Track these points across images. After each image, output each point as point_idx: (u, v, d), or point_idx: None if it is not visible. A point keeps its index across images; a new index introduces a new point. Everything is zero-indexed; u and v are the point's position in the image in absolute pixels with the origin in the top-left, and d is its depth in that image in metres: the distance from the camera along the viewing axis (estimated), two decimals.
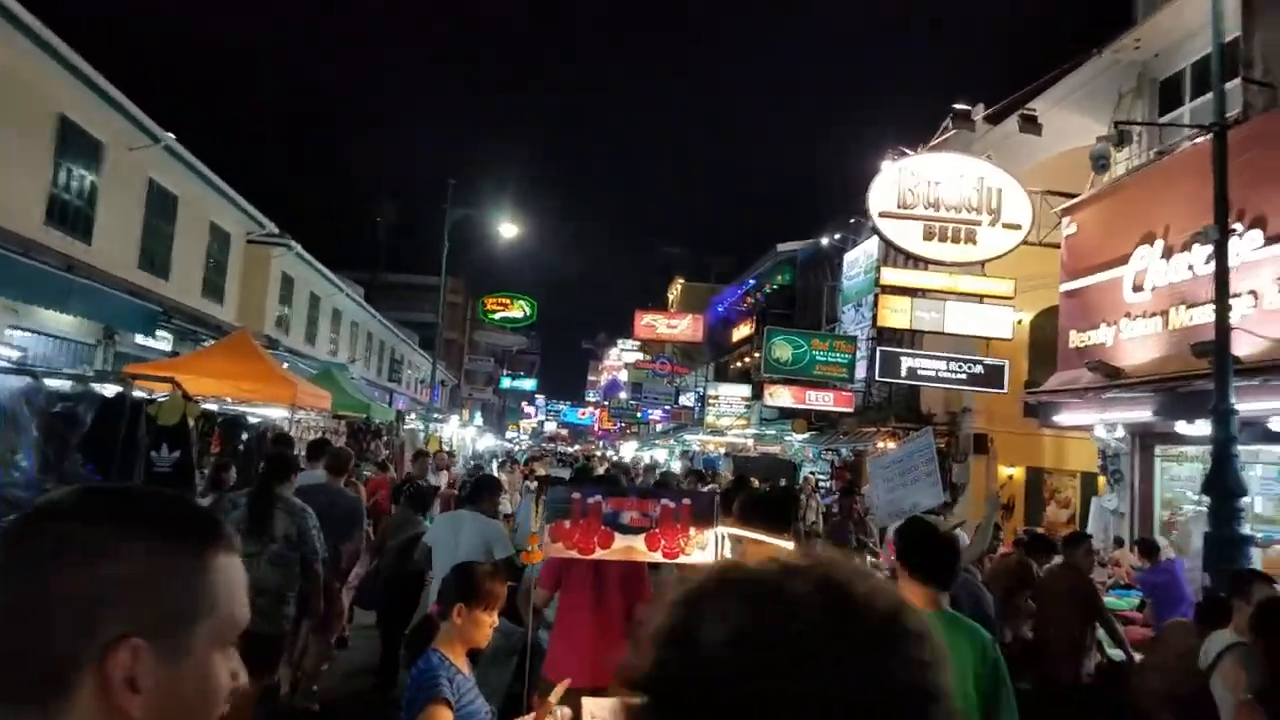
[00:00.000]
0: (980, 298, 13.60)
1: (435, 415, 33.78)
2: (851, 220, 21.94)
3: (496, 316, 42.46)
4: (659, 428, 49.20)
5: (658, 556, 4.51)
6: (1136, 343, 11.20)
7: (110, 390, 6.75)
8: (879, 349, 14.64)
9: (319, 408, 12.39)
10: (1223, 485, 7.40)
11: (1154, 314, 10.90)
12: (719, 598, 0.79)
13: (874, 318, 21.07)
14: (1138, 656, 6.75)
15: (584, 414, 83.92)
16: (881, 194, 13.45)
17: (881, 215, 13.42)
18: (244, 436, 10.24)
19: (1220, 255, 7.30)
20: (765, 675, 0.72)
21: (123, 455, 6.53)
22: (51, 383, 6.58)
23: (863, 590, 0.78)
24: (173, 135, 15.31)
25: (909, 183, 13.40)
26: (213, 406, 10.04)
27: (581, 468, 13.29)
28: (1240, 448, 7.57)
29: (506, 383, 69.53)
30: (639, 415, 51.58)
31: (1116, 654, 7.01)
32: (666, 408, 46.63)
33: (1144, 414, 10.85)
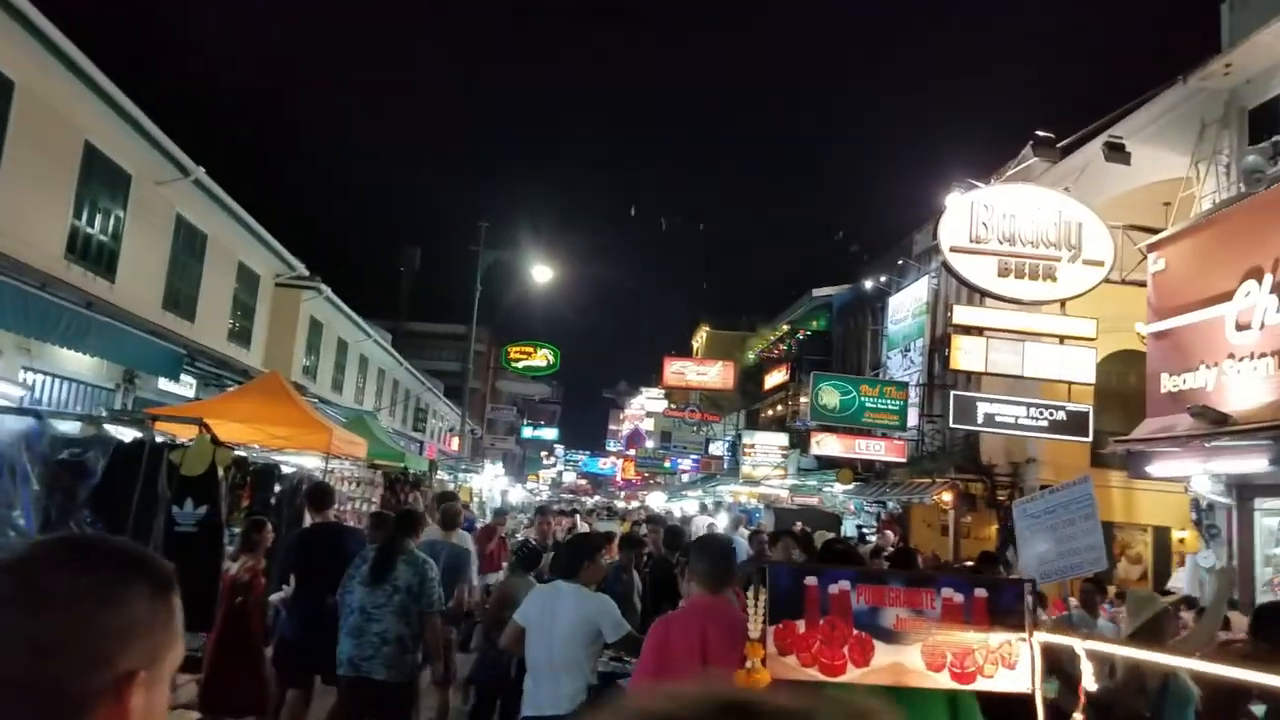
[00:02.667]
0: (1061, 338, 12.65)
1: (464, 466, 32.94)
2: (899, 261, 21.08)
3: (520, 365, 41.80)
4: (686, 478, 48.02)
5: (944, 679, 3.15)
6: (1243, 386, 10.26)
7: (128, 435, 5.86)
8: (953, 393, 13.64)
9: (354, 456, 11.61)
10: None
11: (1264, 354, 10.00)
12: None
13: (928, 362, 20.33)
14: None
15: (605, 464, 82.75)
16: (953, 227, 12.56)
17: (953, 250, 12.52)
18: (276, 489, 9.37)
19: None
20: None
21: (139, 512, 5.59)
22: (60, 425, 5.68)
23: None
24: (203, 169, 14.55)
25: (982, 216, 12.52)
26: (243, 454, 9.15)
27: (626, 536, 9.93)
28: None
29: (528, 432, 68.57)
30: (668, 465, 50.49)
31: None
32: (696, 457, 45.54)
33: (1259, 463, 9.87)
